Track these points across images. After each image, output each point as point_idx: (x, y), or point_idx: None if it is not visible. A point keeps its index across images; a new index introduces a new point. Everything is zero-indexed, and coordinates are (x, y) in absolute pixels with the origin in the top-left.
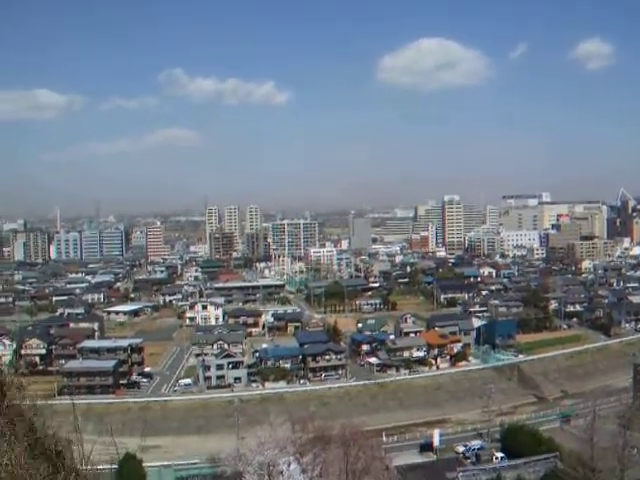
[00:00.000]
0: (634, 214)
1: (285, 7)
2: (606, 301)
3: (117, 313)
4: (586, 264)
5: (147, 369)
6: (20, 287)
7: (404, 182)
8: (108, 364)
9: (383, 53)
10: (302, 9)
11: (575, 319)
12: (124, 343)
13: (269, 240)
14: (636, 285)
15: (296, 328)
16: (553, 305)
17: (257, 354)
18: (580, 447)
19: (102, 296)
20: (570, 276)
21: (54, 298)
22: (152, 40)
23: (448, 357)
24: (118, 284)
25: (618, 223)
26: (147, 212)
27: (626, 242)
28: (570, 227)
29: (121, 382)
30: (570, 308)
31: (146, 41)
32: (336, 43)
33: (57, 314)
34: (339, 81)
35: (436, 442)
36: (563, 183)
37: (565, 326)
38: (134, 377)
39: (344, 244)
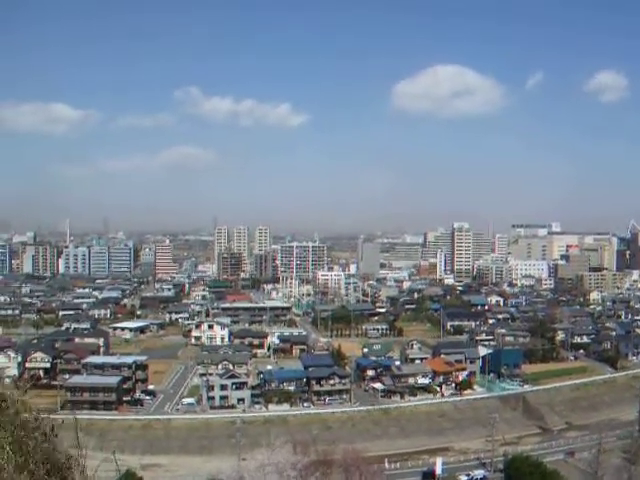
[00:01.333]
0: None
1: (301, 31)
2: (614, 333)
3: (123, 329)
4: (594, 295)
5: (151, 387)
6: (27, 300)
7: (415, 208)
8: (112, 380)
9: (399, 78)
10: (318, 32)
11: (582, 351)
12: (129, 360)
13: (277, 262)
14: None
15: (301, 351)
16: (560, 336)
17: (262, 376)
18: None
19: (108, 312)
20: (578, 307)
21: (60, 312)
22: (168, 57)
23: (453, 385)
24: (125, 300)
25: (628, 255)
26: (156, 230)
27: (635, 274)
28: (579, 258)
29: (124, 399)
30: (577, 339)
31: (162, 58)
32: (352, 68)
33: (63, 328)
34: (354, 106)
35: (438, 470)
36: (573, 214)
37: (572, 357)
38: (138, 394)
39: (352, 268)
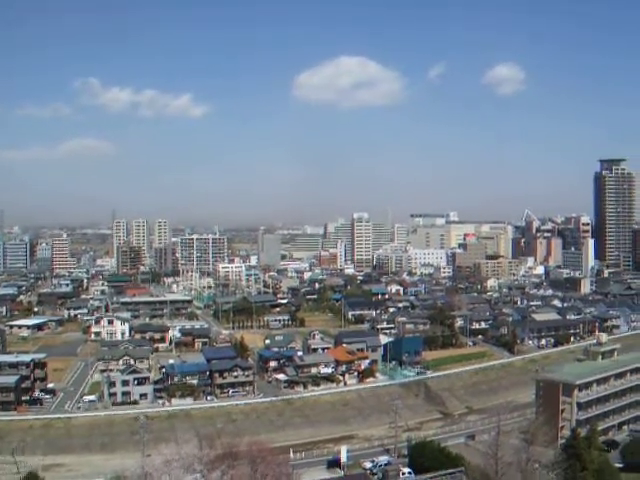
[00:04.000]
0: (538, 234)
1: (202, 18)
2: (510, 319)
3: (20, 327)
4: (491, 283)
5: (50, 385)
6: None
7: (316, 199)
8: (10, 380)
9: (301, 69)
10: (219, 21)
11: (480, 336)
12: (27, 358)
13: (177, 255)
14: (539, 303)
15: (203, 344)
16: (459, 322)
17: (164, 370)
18: (485, 462)
19: (4, 309)
20: (476, 294)
21: None
22: (67, 47)
23: (356, 373)
24: (21, 297)
25: (523, 243)
26: (53, 223)
27: (530, 261)
28: (476, 246)
29: (23, 398)
30: (476, 325)
31: (60, 48)
32: (254, 58)
33: None
34: (256, 97)
35: (343, 458)
36: (470, 203)
37: (471, 343)
38: (37, 393)
39: (253, 260)
